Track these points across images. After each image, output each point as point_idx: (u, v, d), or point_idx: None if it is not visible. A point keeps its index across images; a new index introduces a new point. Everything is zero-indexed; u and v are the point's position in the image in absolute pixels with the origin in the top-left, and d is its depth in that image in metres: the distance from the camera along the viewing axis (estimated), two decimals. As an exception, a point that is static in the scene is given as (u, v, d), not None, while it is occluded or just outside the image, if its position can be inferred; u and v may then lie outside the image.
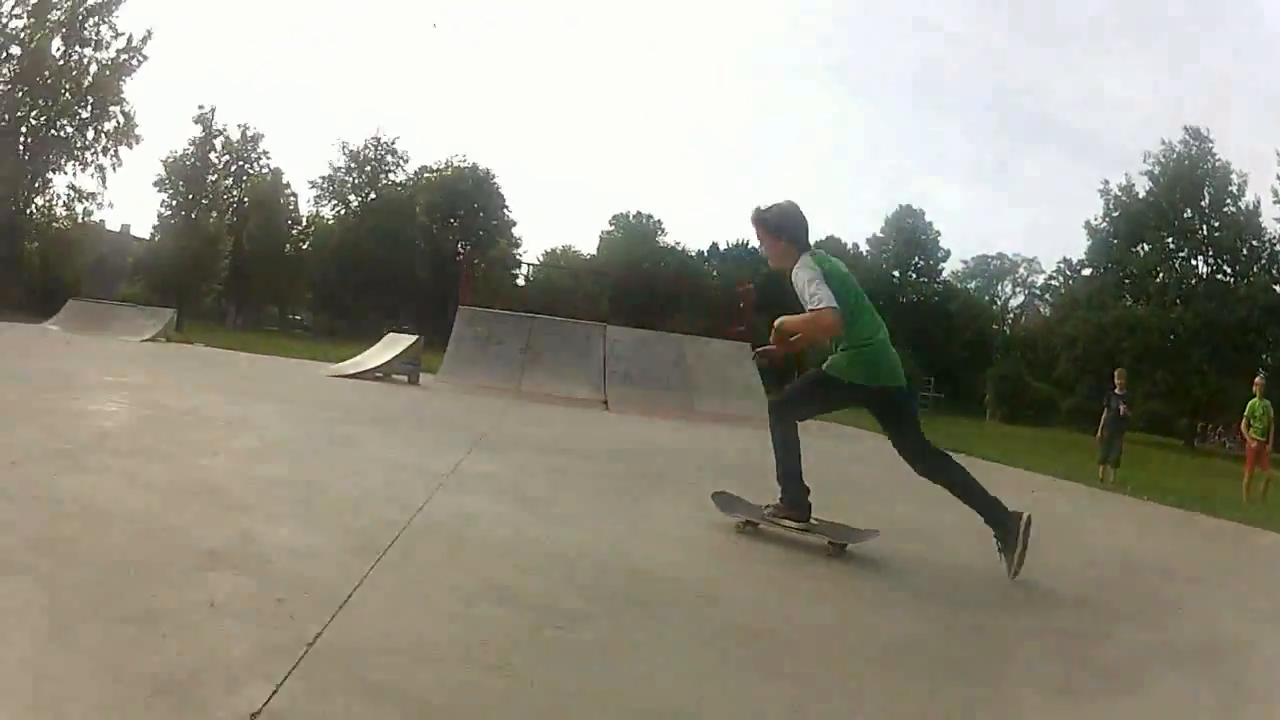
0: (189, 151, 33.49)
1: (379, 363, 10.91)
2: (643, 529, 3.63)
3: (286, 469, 3.94)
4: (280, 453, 4.51)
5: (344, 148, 43.60)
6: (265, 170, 38.27)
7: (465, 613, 2.18)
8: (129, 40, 27.18)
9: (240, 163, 37.28)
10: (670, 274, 42.53)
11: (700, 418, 10.68)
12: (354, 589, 2.17)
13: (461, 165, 45.75)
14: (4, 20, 25.11)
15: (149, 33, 27.58)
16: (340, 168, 43.55)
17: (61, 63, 26.21)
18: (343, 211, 43.12)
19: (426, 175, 44.83)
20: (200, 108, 34.76)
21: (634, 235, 47.25)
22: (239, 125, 37.53)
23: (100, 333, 14.33)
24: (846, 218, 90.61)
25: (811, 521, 3.48)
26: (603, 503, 4.27)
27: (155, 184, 32.92)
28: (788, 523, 3.48)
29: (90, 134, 27.14)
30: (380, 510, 3.22)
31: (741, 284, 18.71)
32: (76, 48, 26.60)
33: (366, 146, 43.58)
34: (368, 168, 43.59)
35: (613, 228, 48.21)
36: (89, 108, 26.88)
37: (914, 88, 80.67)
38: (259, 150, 38.08)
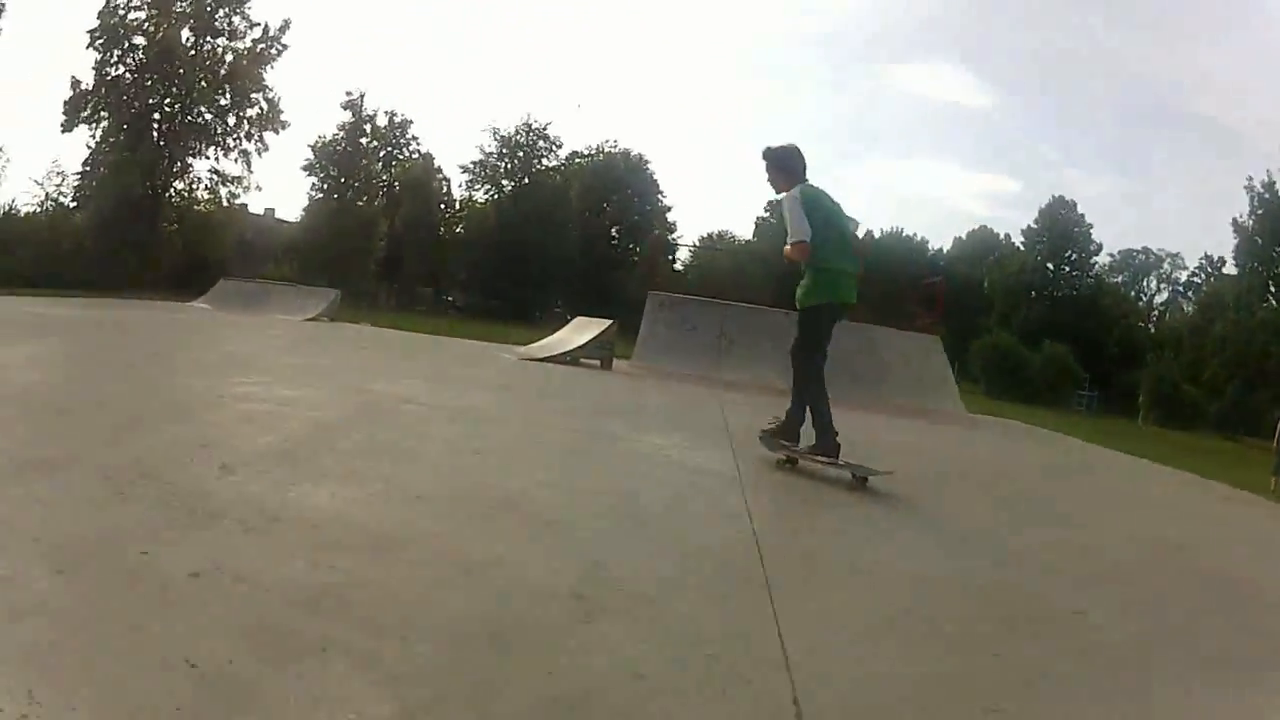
0: (339, 136, 33.85)
1: (573, 346, 9.91)
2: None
3: (568, 471, 3.54)
4: (543, 449, 4.09)
5: (495, 133, 43.32)
6: (415, 155, 38.46)
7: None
8: (265, 30, 27.48)
9: (389, 148, 37.52)
10: None
11: (895, 411, 9.58)
12: (779, 630, 1.81)
13: (613, 150, 45.48)
14: (123, 12, 25.78)
15: (286, 22, 27.90)
16: (492, 153, 43.30)
17: (193, 53, 26.59)
18: (496, 196, 42.91)
19: (578, 160, 44.54)
20: (348, 94, 35.17)
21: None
22: (386, 112, 37.92)
23: (256, 312, 14.00)
24: (1000, 209, 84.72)
25: (839, 461, 3.98)
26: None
27: (304, 168, 33.54)
28: (821, 459, 4.04)
29: (231, 120, 27.54)
30: (713, 524, 2.91)
31: (929, 279, 17.14)
32: (208, 38, 26.99)
33: (518, 132, 43.15)
34: (520, 153, 43.19)
35: (768, 213, 46.18)
36: (228, 95, 27.19)
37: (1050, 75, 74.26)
38: (408, 136, 38.41)
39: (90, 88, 25.92)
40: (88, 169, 25.84)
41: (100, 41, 25.70)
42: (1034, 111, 76.98)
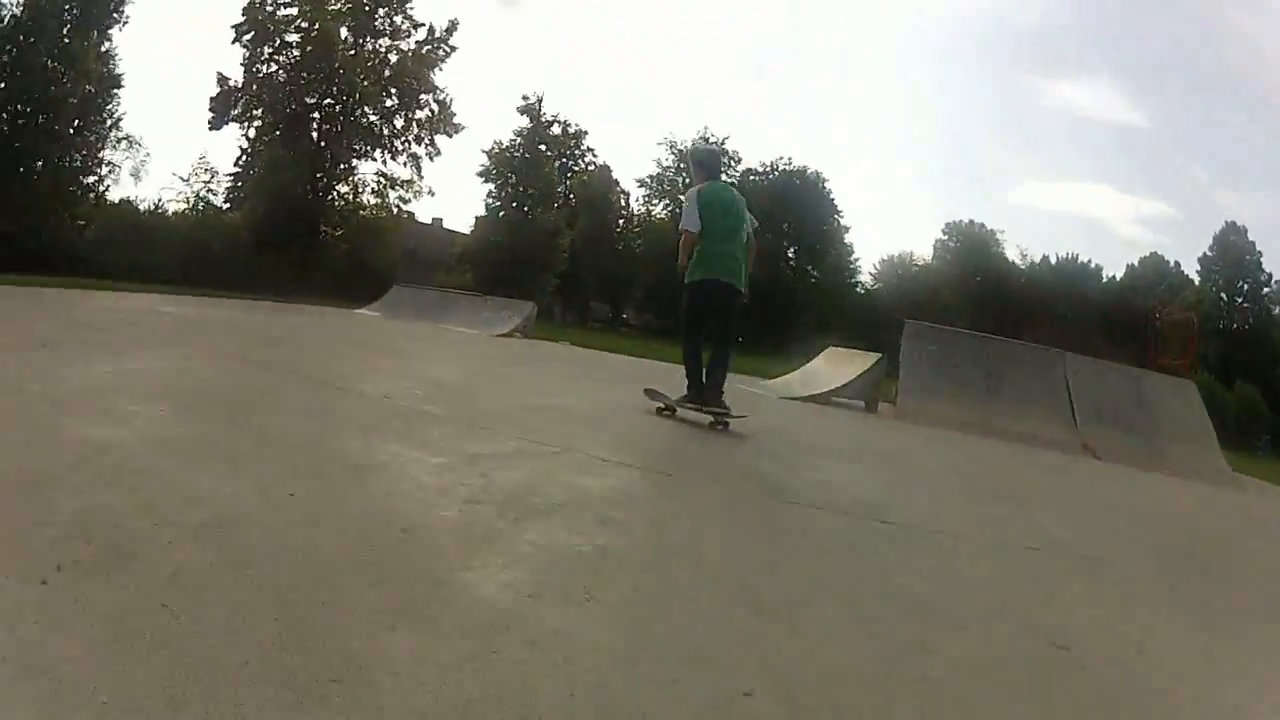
0: (516, 142, 32.58)
1: (838, 384, 8.44)
2: None
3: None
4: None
5: (672, 146, 42.07)
6: (591, 167, 37.42)
7: None
8: (431, 30, 26.57)
9: (563, 159, 36.47)
10: (1027, 288, 38.91)
11: (1178, 472, 8.39)
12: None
13: (788, 168, 43.41)
14: (270, 8, 25.09)
15: (453, 23, 26.85)
16: (669, 166, 42.11)
17: (353, 53, 25.89)
18: (675, 210, 42.26)
19: (752, 178, 42.52)
20: (525, 98, 33.45)
21: (970, 243, 43.27)
22: (560, 122, 36.95)
23: (432, 322, 13.15)
24: (1157, 233, 78.22)
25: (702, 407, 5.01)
26: None
27: (480, 174, 32.31)
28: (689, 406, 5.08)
29: (399, 122, 26.66)
30: None
31: (1163, 310, 15.01)
32: (368, 38, 26.29)
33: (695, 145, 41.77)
34: None
35: (946, 235, 44.19)
36: (395, 96, 26.45)
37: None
38: (583, 147, 37.27)
39: (240, 84, 25.38)
40: (241, 168, 25.59)
41: (249, 38, 25.11)
42: (1181, 128, 70.37)
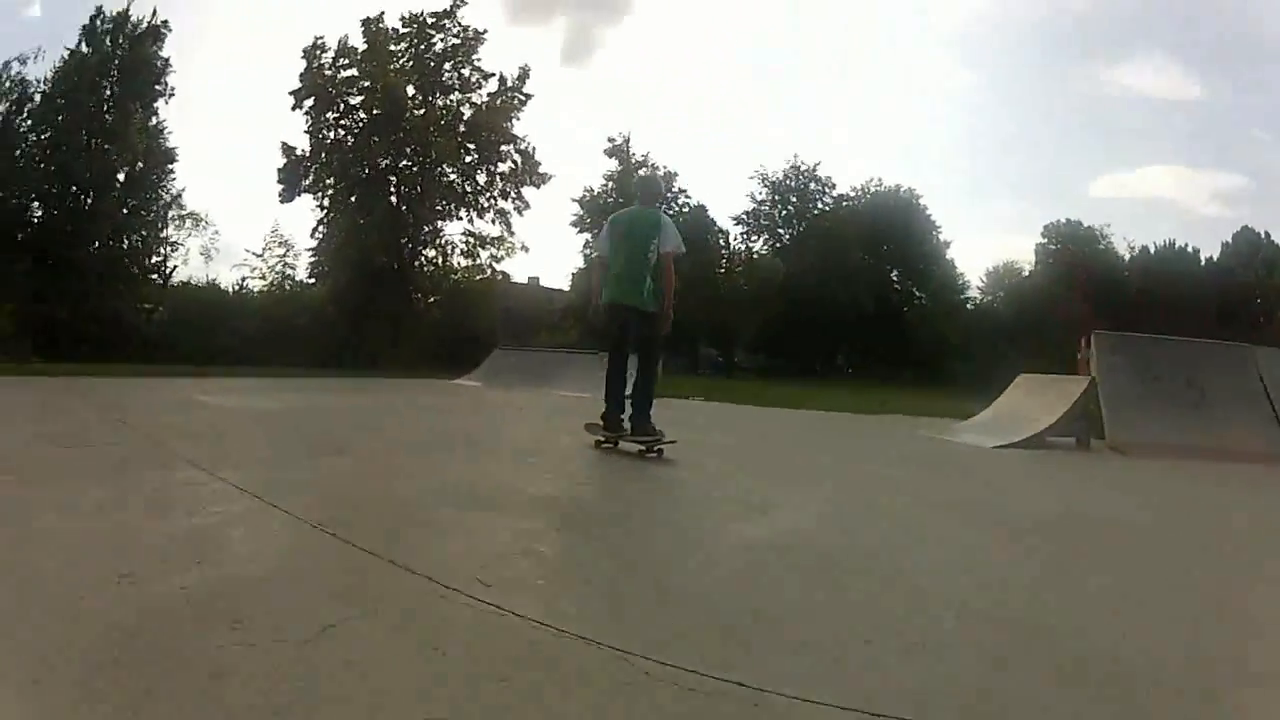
0: (607, 187, 31.62)
1: (1048, 423, 7.93)
2: None
3: None
4: None
5: (764, 179, 40.91)
6: (685, 208, 35.66)
7: None
8: (502, 80, 25.73)
9: (658, 202, 35.89)
10: (1140, 281, 37.34)
11: None
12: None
13: (881, 189, 42.22)
14: (330, 72, 24.69)
15: (524, 69, 26.12)
16: (764, 200, 40.97)
17: (422, 111, 25.24)
18: (776, 246, 40.66)
19: (845, 203, 41.50)
20: (611, 140, 32.47)
21: (1074, 243, 41.48)
22: (649, 165, 35.59)
23: (540, 388, 12.53)
24: (1238, 206, 74.88)
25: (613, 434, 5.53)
26: None
27: (574, 224, 31.39)
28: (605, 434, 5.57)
29: (482, 178, 25.84)
30: None
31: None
32: (437, 94, 25.66)
33: (786, 176, 40.61)
34: (792, 198, 40.72)
35: (1045, 239, 42.41)
36: (473, 151, 25.64)
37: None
38: (675, 188, 35.25)
39: (307, 152, 24.84)
40: (319, 239, 24.89)
41: (310, 104, 24.64)
42: (1237, 96, 67.10)
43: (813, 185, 40.89)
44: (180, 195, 22.99)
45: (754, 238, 41.32)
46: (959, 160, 74.99)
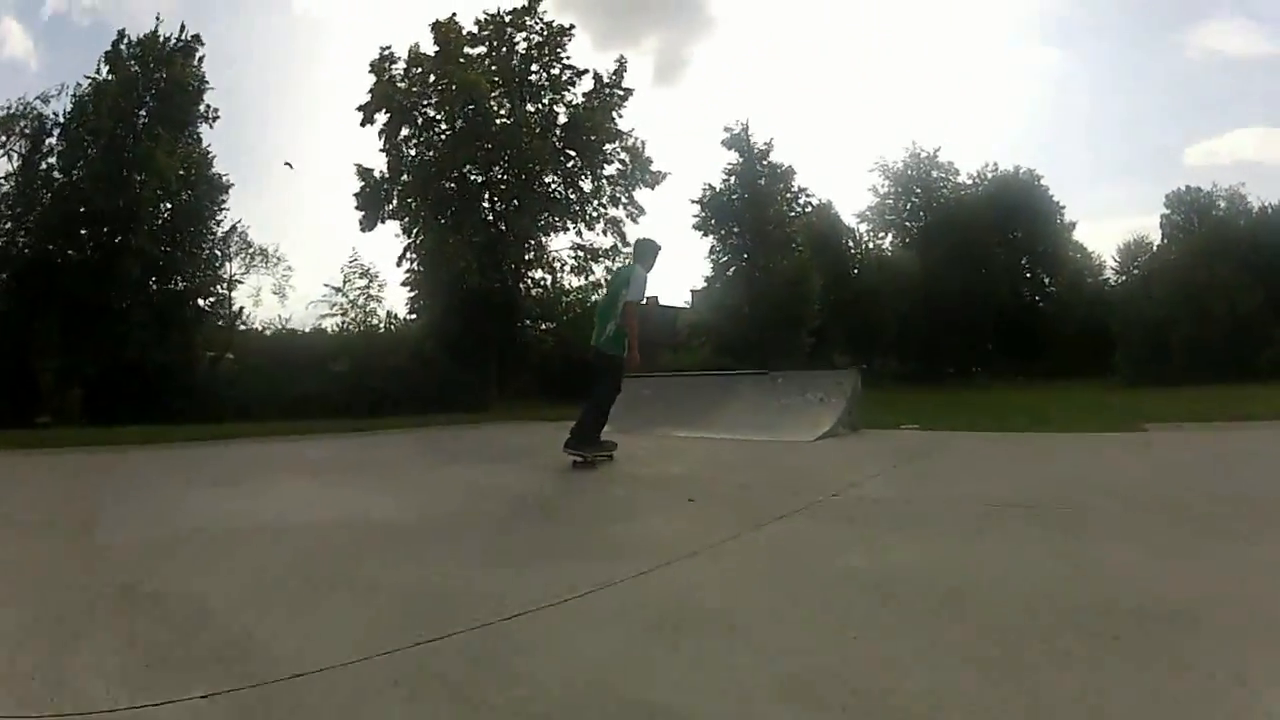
0: (729, 184, 28.24)
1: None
2: None
3: None
4: None
5: (884, 170, 37.29)
6: (808, 205, 31.66)
7: None
8: (597, 77, 23.13)
9: (777, 199, 30.39)
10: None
11: None
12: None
13: (998, 173, 38.16)
14: (400, 84, 22.36)
15: (621, 61, 23.85)
16: (886, 193, 37.41)
17: (510, 119, 22.53)
18: (906, 240, 37.23)
19: (962, 192, 37.60)
20: (727, 129, 28.89)
21: (1200, 211, 36.90)
22: (769, 160, 31.00)
23: (701, 429, 9.44)
24: None
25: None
26: None
27: (697, 227, 28.20)
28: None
29: (586, 185, 23.27)
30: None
31: None
32: (526, 99, 23.07)
33: (907, 166, 37.04)
34: (916, 189, 37.08)
35: (1169, 209, 37.56)
36: (574, 156, 23.07)
37: None
38: (794, 186, 30.77)
39: (385, 174, 22.52)
40: (411, 270, 22.42)
41: (385, 121, 22.32)
42: None
43: (934, 173, 37.37)
44: (237, 228, 20.92)
45: (880, 234, 38.00)
46: (1054, 141, 69.53)
